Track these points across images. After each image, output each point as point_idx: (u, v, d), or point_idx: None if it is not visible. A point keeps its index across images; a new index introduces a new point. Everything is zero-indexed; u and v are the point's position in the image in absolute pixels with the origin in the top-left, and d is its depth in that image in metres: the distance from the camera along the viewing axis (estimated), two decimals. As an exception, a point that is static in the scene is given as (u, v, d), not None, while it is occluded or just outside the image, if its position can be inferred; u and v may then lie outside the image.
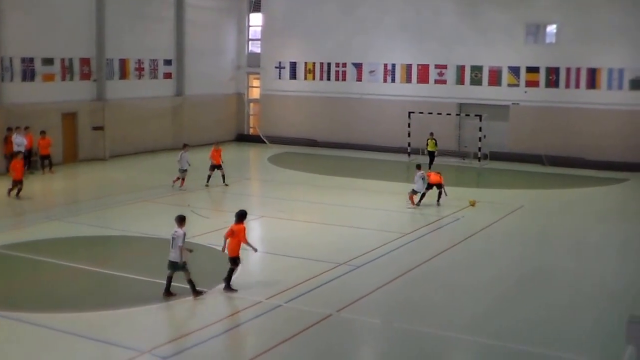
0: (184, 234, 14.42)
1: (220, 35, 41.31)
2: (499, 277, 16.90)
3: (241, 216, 15.05)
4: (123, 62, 34.77)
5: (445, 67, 36.95)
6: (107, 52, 33.56)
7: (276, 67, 41.27)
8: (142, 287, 15.28)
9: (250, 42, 42.78)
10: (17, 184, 24.03)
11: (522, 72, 35.38)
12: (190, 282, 14.40)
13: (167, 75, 37.70)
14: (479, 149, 34.30)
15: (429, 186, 24.13)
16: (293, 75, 40.82)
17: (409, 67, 37.82)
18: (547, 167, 33.67)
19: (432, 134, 32.68)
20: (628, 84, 33.36)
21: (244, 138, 42.22)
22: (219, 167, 26.94)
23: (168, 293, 14.44)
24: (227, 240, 14.89)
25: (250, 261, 16.90)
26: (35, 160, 29.15)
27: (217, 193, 26.23)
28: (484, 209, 23.94)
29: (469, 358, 12.76)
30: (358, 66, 39.09)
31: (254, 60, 42.37)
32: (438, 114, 35.08)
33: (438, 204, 24.03)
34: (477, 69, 36.26)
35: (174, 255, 14.35)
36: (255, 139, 41.48)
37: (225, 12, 41.48)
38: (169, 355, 11.84)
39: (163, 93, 37.46)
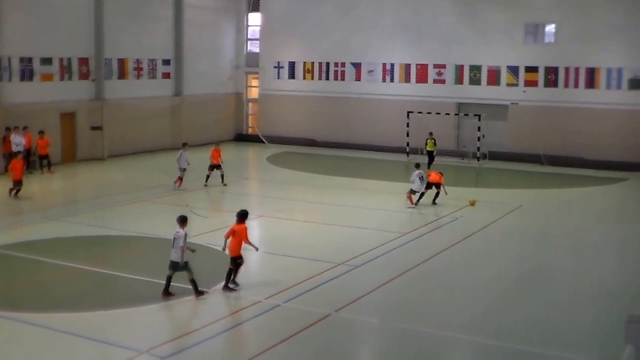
0: (185, 235, 14.43)
1: (219, 35, 41.29)
2: (497, 276, 16.90)
3: (242, 216, 15.08)
4: (121, 62, 34.75)
5: (444, 66, 36.95)
6: (106, 52, 33.54)
7: (275, 67, 41.26)
8: (140, 287, 15.27)
9: (248, 42, 42.75)
10: (17, 184, 24.03)
11: (521, 71, 35.37)
12: (193, 281, 14.41)
13: (166, 75, 37.68)
14: (478, 148, 34.31)
15: (429, 185, 24.14)
16: (292, 75, 40.81)
17: (407, 67, 37.81)
18: (545, 167, 33.68)
19: (431, 133, 32.67)
20: (627, 84, 33.36)
21: (242, 138, 42.21)
22: (218, 167, 26.92)
23: (167, 293, 14.43)
24: (228, 240, 14.91)
25: (249, 261, 16.83)
26: (33, 160, 29.12)
27: (215, 193, 26.22)
28: (483, 208, 23.94)
29: (468, 358, 12.75)
30: (357, 66, 39.08)
31: (252, 60, 42.36)
32: (437, 113, 35.08)
33: (434, 204, 24.02)
34: (475, 69, 36.26)
35: (175, 256, 14.36)
36: (254, 139, 41.47)
37: (224, 11, 41.46)
38: (167, 355, 11.82)
39: (161, 93, 37.44)
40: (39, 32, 30.48)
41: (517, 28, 35.39)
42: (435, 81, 37.25)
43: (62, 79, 31.81)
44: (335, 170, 31.57)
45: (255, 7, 41.92)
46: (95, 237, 19.70)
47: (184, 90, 38.41)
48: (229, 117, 42.05)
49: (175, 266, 14.39)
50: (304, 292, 15.03)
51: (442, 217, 22.68)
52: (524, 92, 35.37)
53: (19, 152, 26.75)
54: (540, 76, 34.99)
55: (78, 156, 32.70)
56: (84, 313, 13.74)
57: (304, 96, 40.46)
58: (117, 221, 21.42)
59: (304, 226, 21.18)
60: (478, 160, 34.21)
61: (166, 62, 37.54)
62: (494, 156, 34.93)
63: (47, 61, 31.01)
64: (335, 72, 39.68)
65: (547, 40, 35.66)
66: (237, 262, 14.98)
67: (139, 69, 35.82)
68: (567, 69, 34.39)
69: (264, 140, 40.82)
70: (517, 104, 35.58)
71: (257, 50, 42.34)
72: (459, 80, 36.70)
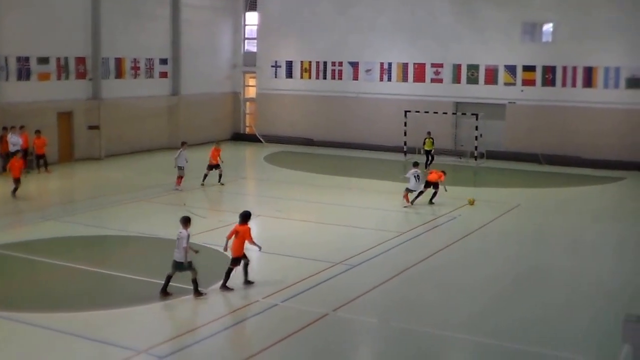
0: (188, 235, 14.44)
1: (216, 34, 41.27)
2: (495, 276, 16.91)
3: (245, 217, 15.15)
4: (119, 61, 34.71)
5: (441, 65, 36.96)
6: (103, 51, 33.49)
7: (272, 66, 41.24)
8: (138, 287, 15.26)
9: (246, 41, 42.73)
10: (15, 182, 24.01)
11: (519, 70, 35.39)
12: (195, 282, 14.43)
13: (163, 75, 37.65)
14: (476, 147, 34.32)
15: (427, 184, 24.14)
16: (289, 74, 40.80)
17: (405, 66, 37.81)
18: (543, 166, 33.70)
19: (429, 133, 32.70)
20: (624, 83, 33.39)
21: (240, 137, 42.19)
22: (216, 166, 26.87)
23: (165, 292, 14.43)
24: (230, 241, 14.93)
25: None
26: (30, 160, 29.07)
27: (213, 192, 26.20)
28: (481, 208, 23.95)
29: (466, 357, 12.76)
30: (354, 65, 39.08)
31: (250, 59, 42.33)
32: (434, 112, 35.07)
33: (430, 203, 24.01)
34: (473, 68, 36.26)
35: (178, 256, 14.38)
36: (252, 138, 41.47)
37: (221, 11, 41.43)
38: (165, 355, 11.82)
39: (159, 92, 37.40)
40: (36, 32, 30.44)
41: (515, 27, 35.40)
42: (432, 80, 37.27)
43: (59, 78, 31.77)
44: (332, 170, 31.56)
45: (252, 7, 41.89)
46: (92, 237, 19.68)
47: (182, 89, 38.38)
48: (226, 117, 42.02)
49: (178, 266, 14.40)
50: (301, 292, 15.03)
51: (440, 217, 22.68)
52: (522, 91, 35.38)
53: (17, 151, 26.76)
54: (538, 75, 35.01)
55: (75, 156, 32.67)
56: (82, 313, 13.73)
57: (302, 95, 40.45)
58: (115, 221, 21.40)
59: (301, 225, 21.18)
60: (475, 160, 34.23)
61: (163, 61, 37.51)
62: (492, 155, 34.95)
63: (44, 60, 30.96)
64: (333, 71, 39.67)
65: (544, 39, 35.70)
66: (239, 262, 15.00)
67: (136, 68, 35.78)
68: (564, 68, 34.42)
69: (261, 139, 40.81)
70: (514, 103, 35.60)
71: (254, 49, 42.32)
72: (456, 79, 36.71)
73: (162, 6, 37.22)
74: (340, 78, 39.52)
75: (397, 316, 14.02)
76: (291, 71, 40.73)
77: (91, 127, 33.21)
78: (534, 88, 35.13)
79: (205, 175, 26.76)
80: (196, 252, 14.69)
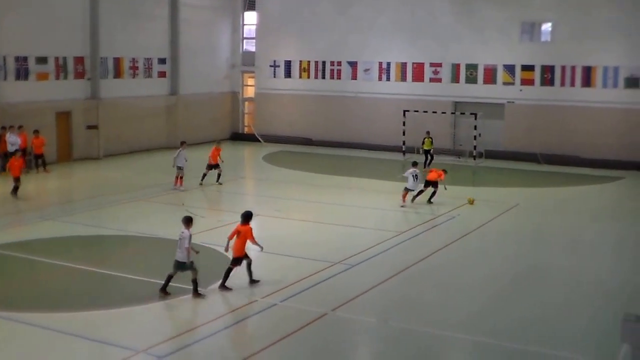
0: (190, 235, 14.44)
1: (215, 34, 41.24)
2: (494, 275, 16.91)
3: (247, 217, 15.18)
4: (117, 61, 34.68)
5: (440, 65, 36.95)
6: (101, 51, 33.46)
7: (271, 66, 41.21)
8: (137, 287, 15.25)
9: (244, 41, 42.70)
10: (15, 181, 24.02)
11: (517, 70, 35.38)
12: (195, 282, 14.43)
13: (162, 74, 37.62)
14: (474, 147, 34.30)
15: (427, 183, 24.15)
16: (288, 74, 40.78)
17: (403, 66, 37.80)
18: (542, 166, 33.70)
19: (428, 132, 32.69)
20: (623, 82, 33.37)
21: (238, 137, 42.17)
22: (215, 166, 26.85)
23: (165, 292, 14.42)
24: (231, 241, 14.93)
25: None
26: (29, 160, 29.05)
27: (211, 192, 26.18)
28: (479, 207, 23.95)
29: (464, 356, 12.76)
30: (353, 65, 39.06)
31: (248, 59, 42.30)
32: (433, 112, 35.06)
33: (429, 202, 24.02)
34: (472, 67, 36.26)
35: (180, 256, 14.38)
36: (250, 138, 41.44)
37: (220, 10, 41.41)
38: (164, 354, 11.81)
39: (157, 92, 37.37)
40: (34, 31, 30.40)
41: (514, 26, 35.40)
42: (431, 80, 37.25)
43: (57, 78, 31.74)
44: (331, 170, 31.55)
45: (251, 6, 41.86)
46: (91, 236, 19.68)
47: (180, 89, 38.35)
48: (225, 116, 42.00)
49: (180, 266, 14.40)
50: (300, 291, 15.03)
51: (439, 216, 22.67)
52: (521, 90, 35.39)
53: (16, 150, 26.72)
54: (537, 75, 35.00)
55: (74, 155, 32.64)
56: (81, 313, 13.72)
57: (300, 95, 40.44)
58: (113, 221, 21.39)
59: (300, 225, 21.18)
60: (474, 159, 34.22)
61: (162, 61, 37.48)
62: (491, 155, 34.95)
63: (42, 60, 30.94)
64: (332, 71, 39.66)
65: (543, 38, 35.70)
66: (240, 262, 15.01)
67: (134, 68, 35.75)
68: (563, 68, 34.42)
69: (260, 139, 40.80)
70: (513, 102, 35.60)
71: (253, 49, 42.29)
72: (455, 79, 36.70)
73: (160, 6, 37.20)
74: (339, 78, 39.50)
75: (396, 316, 14.02)
76: (290, 71, 40.71)
77: (90, 127, 33.19)
78: (532, 88, 35.13)
79: (204, 175, 26.74)
80: (197, 252, 14.69)
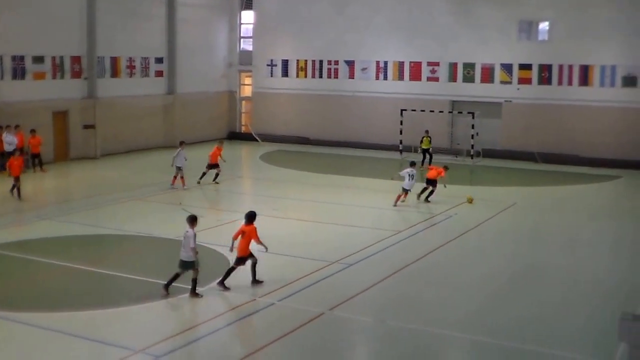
0: (195, 235, 14.42)
1: (212, 33, 41.22)
2: (491, 274, 16.91)
3: (251, 217, 15.15)
4: (114, 60, 34.64)
5: (437, 64, 36.96)
6: (98, 50, 33.43)
7: (268, 65, 41.20)
8: (135, 286, 15.24)
9: (242, 40, 42.69)
10: (15, 180, 23.97)
11: (515, 69, 35.41)
12: (195, 281, 14.42)
13: (159, 73, 37.59)
14: (472, 146, 34.33)
15: (427, 181, 24.20)
16: (285, 73, 40.76)
17: (401, 65, 37.81)
18: (539, 165, 33.72)
19: (427, 131, 32.69)
20: (620, 81, 33.42)
21: (235, 136, 42.14)
22: (215, 166, 26.79)
23: (167, 289, 14.41)
24: (236, 241, 14.94)
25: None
26: (26, 159, 28.97)
27: (209, 191, 26.16)
28: (477, 206, 23.96)
29: (462, 355, 12.76)
30: (350, 64, 39.06)
31: (245, 58, 42.29)
32: (430, 111, 35.08)
33: (426, 201, 24.03)
34: (469, 66, 36.27)
35: (185, 255, 14.38)
36: (247, 137, 41.41)
37: (217, 9, 41.39)
38: (162, 354, 11.80)
39: (154, 91, 37.35)
40: (31, 31, 30.35)
41: (511, 25, 35.43)
42: (428, 79, 37.27)
43: (54, 77, 31.70)
44: (329, 169, 31.55)
45: (248, 5, 41.84)
46: (88, 236, 19.65)
47: (177, 88, 38.32)
48: (222, 115, 41.98)
49: (185, 265, 14.39)
50: (298, 291, 15.03)
51: (437, 215, 22.68)
52: (518, 89, 35.41)
53: (15, 150, 26.68)
54: (534, 74, 35.03)
55: (71, 155, 32.61)
56: (79, 312, 13.69)
57: (297, 94, 40.43)
58: (111, 220, 21.37)
59: (298, 224, 21.17)
60: (472, 158, 34.25)
61: (159, 60, 37.45)
62: (488, 154, 34.97)
63: (39, 59, 30.89)
64: (329, 70, 39.65)
65: (540, 37, 35.71)
66: (244, 261, 15.02)
67: (131, 67, 35.72)
68: (560, 67, 34.45)
69: (257, 138, 40.78)
70: (510, 101, 35.62)
71: (250, 48, 42.27)
72: (452, 77, 36.72)
73: (157, 5, 37.16)
74: (336, 77, 39.50)
75: (393, 315, 14.01)
76: (287, 70, 40.69)
77: (87, 126, 33.15)
78: (530, 86, 35.15)
79: (203, 174, 26.68)
80: (196, 253, 14.66)
